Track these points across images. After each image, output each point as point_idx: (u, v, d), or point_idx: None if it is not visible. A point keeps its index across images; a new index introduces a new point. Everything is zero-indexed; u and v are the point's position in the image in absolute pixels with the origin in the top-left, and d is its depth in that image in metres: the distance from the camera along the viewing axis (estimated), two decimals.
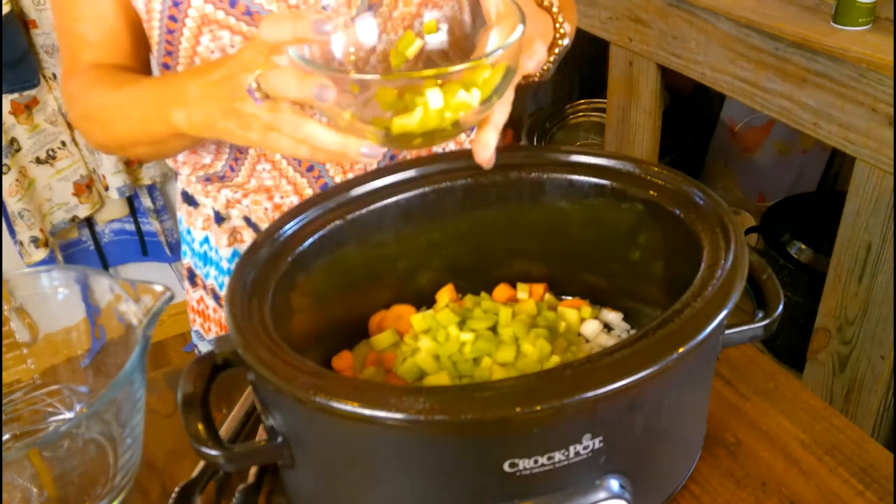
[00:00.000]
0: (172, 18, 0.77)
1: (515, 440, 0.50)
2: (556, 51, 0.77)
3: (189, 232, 0.95)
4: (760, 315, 0.59)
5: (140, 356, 0.60)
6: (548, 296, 0.76)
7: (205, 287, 0.96)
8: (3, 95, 1.74)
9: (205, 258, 0.95)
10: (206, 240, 0.93)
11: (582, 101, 2.35)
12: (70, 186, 1.92)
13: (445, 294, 0.75)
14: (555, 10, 0.76)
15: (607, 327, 0.74)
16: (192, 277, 0.97)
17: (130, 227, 2.12)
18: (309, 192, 0.87)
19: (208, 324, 0.98)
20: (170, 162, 0.93)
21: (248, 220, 0.90)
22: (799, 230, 1.74)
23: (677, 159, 2.18)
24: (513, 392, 0.48)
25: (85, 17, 0.81)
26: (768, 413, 0.70)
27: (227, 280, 0.92)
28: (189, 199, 0.94)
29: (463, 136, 0.90)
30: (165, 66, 0.82)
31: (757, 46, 1.40)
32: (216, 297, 0.96)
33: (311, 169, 0.86)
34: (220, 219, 0.91)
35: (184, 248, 0.98)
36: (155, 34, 0.80)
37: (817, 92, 1.32)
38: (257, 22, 0.75)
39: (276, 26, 0.57)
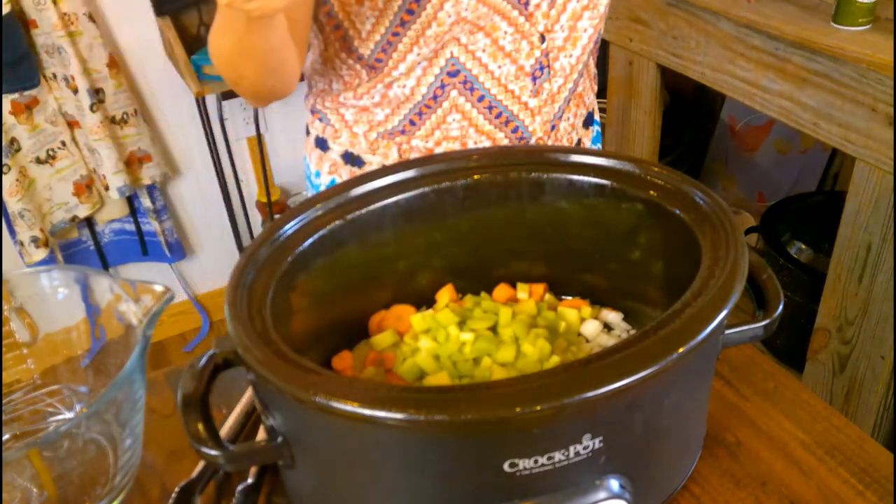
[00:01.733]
0: None
1: (515, 440, 0.50)
2: None
3: None
4: (760, 315, 0.59)
5: (140, 356, 0.60)
6: (548, 296, 0.76)
7: None
8: (3, 95, 1.74)
9: None
10: None
11: None
12: (70, 186, 1.92)
13: (445, 294, 0.75)
14: None
15: (607, 327, 0.74)
16: None
17: (130, 227, 2.12)
18: (502, 139, 0.91)
19: None
20: (336, 122, 0.95)
21: None
22: (799, 230, 1.74)
23: (677, 159, 2.18)
24: (513, 392, 0.48)
25: None
26: (768, 413, 0.70)
27: None
28: (353, 160, 0.96)
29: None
30: (394, 35, 0.83)
31: (757, 46, 1.40)
32: None
33: (499, 115, 0.89)
34: None
35: None
36: (395, 6, 0.80)
37: (817, 92, 1.32)
38: None
39: None
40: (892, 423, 1.43)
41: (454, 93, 0.88)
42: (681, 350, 0.50)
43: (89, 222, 2.06)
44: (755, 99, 1.45)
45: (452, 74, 0.86)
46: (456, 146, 0.92)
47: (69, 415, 0.73)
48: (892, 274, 1.29)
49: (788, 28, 1.33)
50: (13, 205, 1.81)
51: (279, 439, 0.56)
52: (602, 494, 0.53)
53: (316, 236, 0.66)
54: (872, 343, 1.37)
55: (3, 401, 0.72)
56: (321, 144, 0.99)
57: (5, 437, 0.71)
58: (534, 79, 0.89)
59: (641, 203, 0.68)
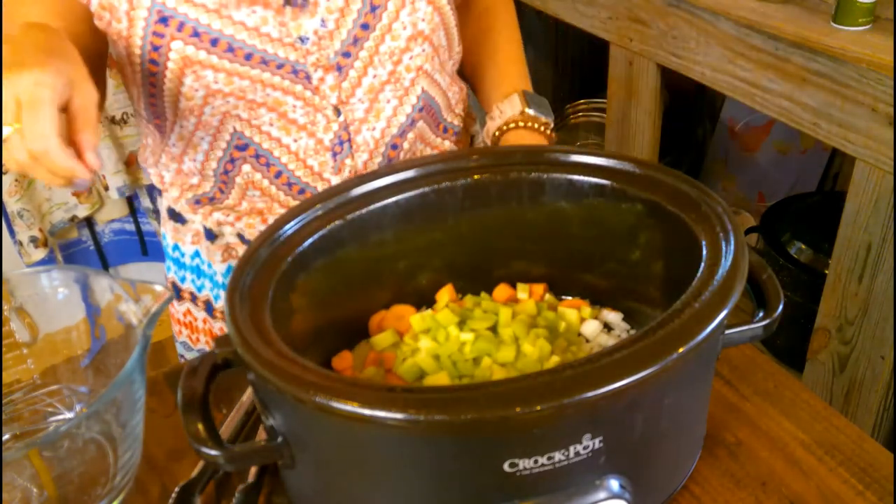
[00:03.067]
0: (153, 62, 0.75)
1: (515, 440, 0.50)
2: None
3: (177, 247, 0.94)
4: (760, 315, 0.59)
5: (140, 356, 0.60)
6: (548, 296, 0.76)
7: (193, 300, 0.95)
8: None
9: (198, 271, 0.94)
10: (197, 253, 0.92)
11: (582, 101, 2.35)
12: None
13: (445, 294, 0.75)
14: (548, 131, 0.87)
15: (607, 327, 0.74)
16: (177, 292, 0.97)
17: (130, 227, 2.12)
18: None
19: (196, 335, 0.97)
20: (156, 182, 0.92)
21: (241, 237, 0.89)
22: (799, 230, 1.74)
23: (677, 159, 2.18)
24: (513, 392, 0.48)
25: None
26: (768, 413, 0.70)
27: (222, 293, 0.92)
28: (176, 216, 0.92)
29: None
30: (153, 105, 0.81)
31: (757, 46, 1.40)
32: (209, 309, 0.95)
33: (302, 192, 0.84)
34: (211, 235, 0.90)
35: (167, 263, 0.96)
36: (138, 78, 0.78)
37: (817, 92, 1.32)
38: (240, 57, 0.74)
39: (45, 149, 0.58)
40: (892, 423, 1.43)
41: (246, 167, 0.82)
42: (681, 350, 0.50)
43: (89, 222, 2.05)
44: (755, 99, 1.45)
45: (241, 148, 0.81)
46: (258, 222, 0.87)
47: (69, 415, 0.73)
48: (892, 274, 1.29)
49: (788, 28, 1.33)
50: (12, 205, 1.81)
51: (279, 439, 0.56)
52: (602, 494, 0.53)
53: (316, 236, 0.66)
54: (872, 343, 1.37)
55: (3, 401, 0.72)
56: (156, 190, 0.95)
57: (5, 437, 0.71)
58: (334, 154, 0.82)
59: (641, 203, 0.68)
